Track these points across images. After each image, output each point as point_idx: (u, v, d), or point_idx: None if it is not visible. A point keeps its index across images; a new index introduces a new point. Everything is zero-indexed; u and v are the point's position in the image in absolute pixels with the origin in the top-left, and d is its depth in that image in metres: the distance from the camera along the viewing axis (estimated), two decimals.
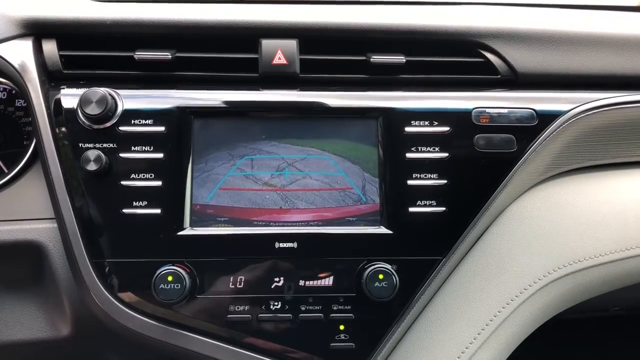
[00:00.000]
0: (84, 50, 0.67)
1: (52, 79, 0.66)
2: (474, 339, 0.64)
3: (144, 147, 0.62)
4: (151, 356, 0.69)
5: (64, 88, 0.64)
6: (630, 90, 0.69)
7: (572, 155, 0.69)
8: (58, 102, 0.63)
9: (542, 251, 0.66)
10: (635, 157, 0.72)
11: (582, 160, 0.70)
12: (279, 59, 0.66)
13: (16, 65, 0.64)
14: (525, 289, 0.65)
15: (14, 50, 0.65)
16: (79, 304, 0.64)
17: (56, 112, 0.63)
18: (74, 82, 0.65)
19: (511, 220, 0.67)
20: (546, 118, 0.66)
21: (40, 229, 0.64)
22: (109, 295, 0.60)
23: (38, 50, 0.66)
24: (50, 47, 0.66)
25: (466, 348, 0.63)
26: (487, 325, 0.64)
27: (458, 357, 0.62)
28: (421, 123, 0.64)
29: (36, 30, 0.66)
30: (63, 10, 0.66)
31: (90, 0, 0.69)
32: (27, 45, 0.66)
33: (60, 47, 0.66)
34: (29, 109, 0.63)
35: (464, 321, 0.64)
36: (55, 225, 0.63)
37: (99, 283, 0.60)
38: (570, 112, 0.66)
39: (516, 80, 0.69)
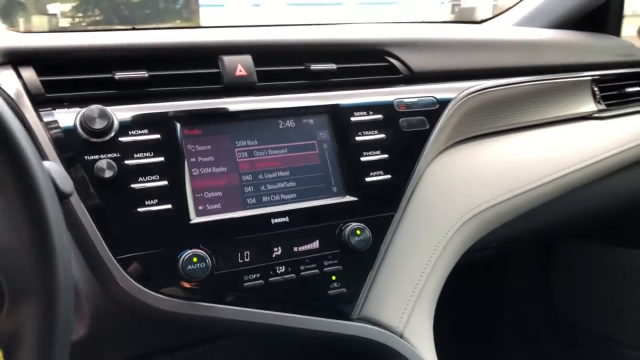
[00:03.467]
0: (63, 75, 0.73)
1: (34, 102, 0.71)
2: (422, 274, 0.83)
3: (145, 154, 0.71)
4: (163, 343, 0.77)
5: (51, 109, 0.70)
6: (496, 78, 0.96)
7: (467, 127, 0.93)
8: (54, 122, 0.69)
9: (454, 200, 0.89)
10: (513, 125, 1.00)
11: (474, 130, 0.95)
12: (240, 71, 0.80)
13: (9, 91, 0.68)
14: (448, 231, 0.87)
15: (2, 78, 0.69)
16: (100, 302, 0.69)
17: (54, 131, 0.68)
18: (57, 104, 0.71)
19: (429, 180, 0.88)
20: (443, 102, 0.89)
21: None
22: (139, 286, 0.67)
23: (18, 77, 0.70)
24: (29, 74, 0.71)
25: (418, 280, 0.82)
26: (428, 262, 0.84)
27: (415, 285, 0.81)
28: (361, 114, 0.83)
29: (13, 58, 0.71)
30: (39, 39, 0.72)
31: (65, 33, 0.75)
32: (9, 72, 0.70)
33: (39, 73, 0.71)
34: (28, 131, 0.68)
35: (414, 260, 0.83)
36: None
37: (128, 277, 0.67)
38: (459, 96, 0.91)
39: (413, 77, 0.91)
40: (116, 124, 0.70)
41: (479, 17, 1.39)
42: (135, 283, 0.67)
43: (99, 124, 0.68)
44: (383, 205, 0.81)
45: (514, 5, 1.33)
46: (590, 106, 1.14)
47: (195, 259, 0.68)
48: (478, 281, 1.56)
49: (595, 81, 1.15)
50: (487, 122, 0.98)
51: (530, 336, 1.64)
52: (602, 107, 1.16)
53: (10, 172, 0.40)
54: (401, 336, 0.78)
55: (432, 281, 0.83)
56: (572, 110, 1.11)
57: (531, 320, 1.65)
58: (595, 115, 1.15)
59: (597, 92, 1.15)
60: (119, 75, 0.73)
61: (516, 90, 1.01)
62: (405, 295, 0.81)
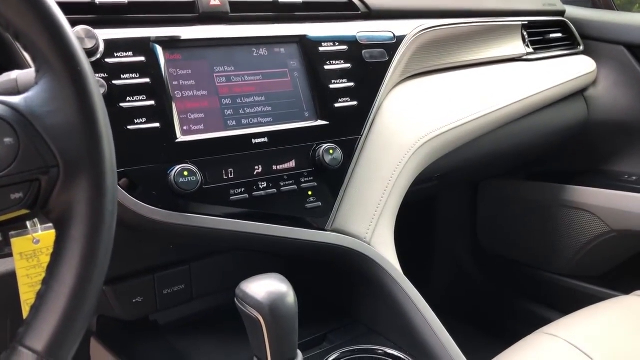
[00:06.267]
0: None
1: None
2: (384, 193, 0.92)
3: (131, 75, 0.73)
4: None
5: None
6: (443, 18, 1.05)
7: (419, 62, 1.03)
8: None
9: (409, 128, 0.98)
10: (457, 62, 1.11)
11: (425, 65, 1.04)
12: (214, 1, 0.84)
13: None
14: (405, 155, 0.95)
15: None
16: None
17: None
18: None
19: (388, 109, 0.96)
20: (400, 37, 0.98)
21: None
22: (132, 198, 0.71)
23: None
24: None
25: (381, 197, 0.91)
26: (389, 182, 0.93)
27: (379, 202, 0.90)
28: (328, 45, 0.89)
29: None
30: None
31: None
32: None
33: None
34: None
35: (377, 180, 0.91)
36: None
37: (124, 191, 0.70)
38: (412, 32, 0.99)
39: (371, 14, 0.98)
40: (102, 45, 0.72)
41: None
42: (130, 196, 0.71)
43: (88, 44, 0.70)
44: (350, 128, 0.89)
45: None
46: (520, 49, 1.26)
47: (186, 173, 0.73)
48: (414, 219, 1.68)
49: (525, 26, 1.28)
50: (436, 58, 1.07)
51: (458, 268, 1.79)
52: (530, 50, 1.28)
53: (58, 54, 0.43)
54: (369, 244, 0.86)
55: (392, 199, 0.92)
56: (506, 52, 1.23)
57: (459, 254, 1.80)
58: (525, 57, 1.27)
59: (527, 37, 1.28)
60: (99, 0, 0.75)
61: (459, 30, 1.10)
62: (371, 210, 0.89)
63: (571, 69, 1.34)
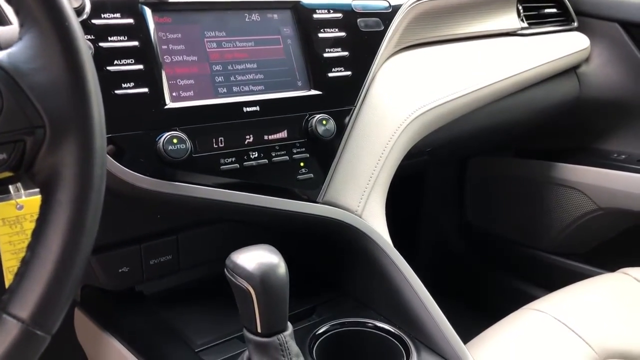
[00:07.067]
0: None
1: None
2: (375, 166, 0.90)
3: (119, 37, 0.71)
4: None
5: None
6: None
7: (414, 33, 1.00)
8: None
9: (403, 101, 0.96)
10: (451, 35, 1.09)
11: (420, 36, 1.02)
12: None
13: None
14: (397, 128, 0.94)
15: None
16: None
17: None
18: None
19: (382, 80, 0.94)
20: (395, 7, 0.95)
21: None
22: (119, 165, 0.69)
23: None
24: None
25: (373, 171, 0.90)
26: (381, 155, 0.91)
27: (370, 175, 0.89)
28: (322, 12, 0.86)
29: None
30: None
31: None
32: None
33: None
34: None
35: (370, 153, 0.90)
36: None
37: (111, 158, 0.68)
38: (409, 1, 0.97)
39: None
40: (88, 5, 0.69)
41: None
42: (117, 163, 0.69)
43: (74, 3, 0.67)
44: (344, 99, 0.87)
45: None
46: (515, 23, 1.25)
47: (175, 140, 0.70)
48: (402, 194, 1.67)
49: (520, 0, 1.26)
50: (431, 30, 1.05)
51: (445, 244, 1.80)
52: (525, 25, 1.27)
53: (44, 8, 0.41)
54: (360, 217, 0.85)
55: (384, 173, 0.91)
56: (501, 25, 1.21)
57: (445, 229, 1.80)
58: (519, 32, 1.25)
59: (521, 11, 1.26)
60: None
61: (456, 1, 1.08)
62: (362, 183, 0.88)
63: (564, 45, 1.33)
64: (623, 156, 1.36)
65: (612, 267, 1.15)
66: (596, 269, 1.39)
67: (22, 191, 0.64)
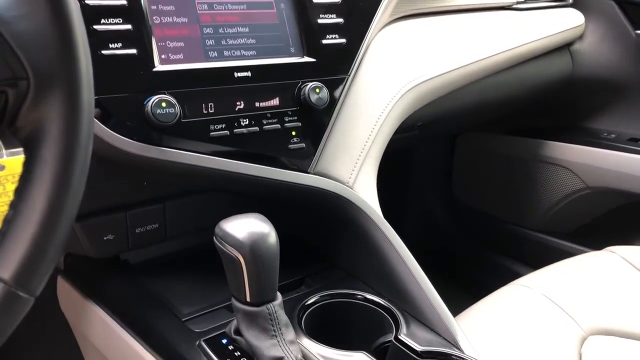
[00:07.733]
0: None
1: None
2: (368, 137, 0.89)
3: None
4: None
5: None
6: None
7: (409, 3, 0.98)
8: None
9: (397, 72, 0.94)
10: (446, 7, 1.07)
11: (415, 6, 1.00)
12: None
13: None
14: (391, 99, 0.92)
15: None
16: None
17: None
18: None
19: (376, 50, 0.92)
20: None
21: None
22: (106, 128, 0.66)
23: None
24: None
25: (365, 142, 0.88)
26: (374, 126, 0.90)
27: (363, 147, 0.87)
28: None
29: None
30: None
31: None
32: None
33: None
34: None
35: (362, 124, 0.88)
36: None
37: (97, 121, 0.66)
38: None
39: None
40: None
41: None
42: (104, 126, 0.66)
43: None
44: (337, 67, 0.85)
45: None
46: None
47: (164, 104, 0.68)
48: (390, 169, 1.66)
49: None
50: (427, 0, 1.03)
51: (432, 220, 1.80)
52: None
53: None
54: (351, 189, 0.84)
55: (376, 145, 0.89)
56: None
57: (433, 205, 1.80)
58: (514, 6, 1.24)
59: None
60: None
61: None
62: (354, 154, 0.86)
63: (559, 21, 1.31)
64: (613, 135, 1.36)
65: (598, 245, 1.15)
66: (583, 247, 1.40)
67: (4, 150, 0.61)
